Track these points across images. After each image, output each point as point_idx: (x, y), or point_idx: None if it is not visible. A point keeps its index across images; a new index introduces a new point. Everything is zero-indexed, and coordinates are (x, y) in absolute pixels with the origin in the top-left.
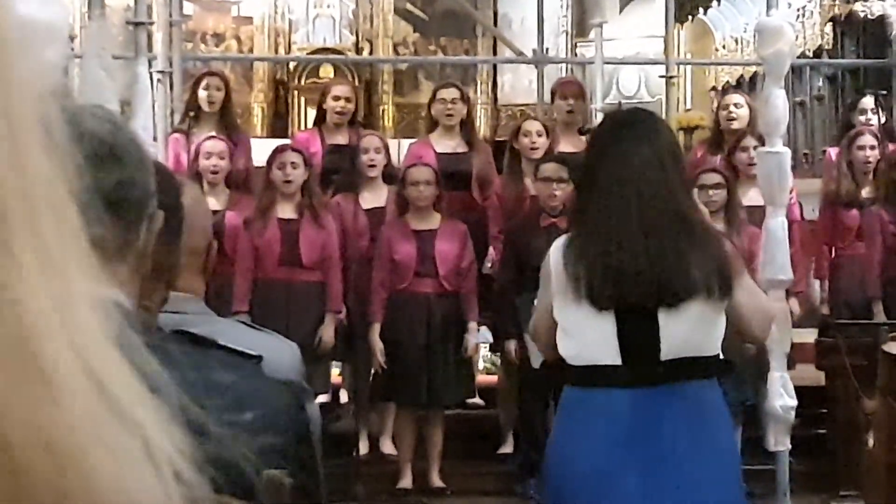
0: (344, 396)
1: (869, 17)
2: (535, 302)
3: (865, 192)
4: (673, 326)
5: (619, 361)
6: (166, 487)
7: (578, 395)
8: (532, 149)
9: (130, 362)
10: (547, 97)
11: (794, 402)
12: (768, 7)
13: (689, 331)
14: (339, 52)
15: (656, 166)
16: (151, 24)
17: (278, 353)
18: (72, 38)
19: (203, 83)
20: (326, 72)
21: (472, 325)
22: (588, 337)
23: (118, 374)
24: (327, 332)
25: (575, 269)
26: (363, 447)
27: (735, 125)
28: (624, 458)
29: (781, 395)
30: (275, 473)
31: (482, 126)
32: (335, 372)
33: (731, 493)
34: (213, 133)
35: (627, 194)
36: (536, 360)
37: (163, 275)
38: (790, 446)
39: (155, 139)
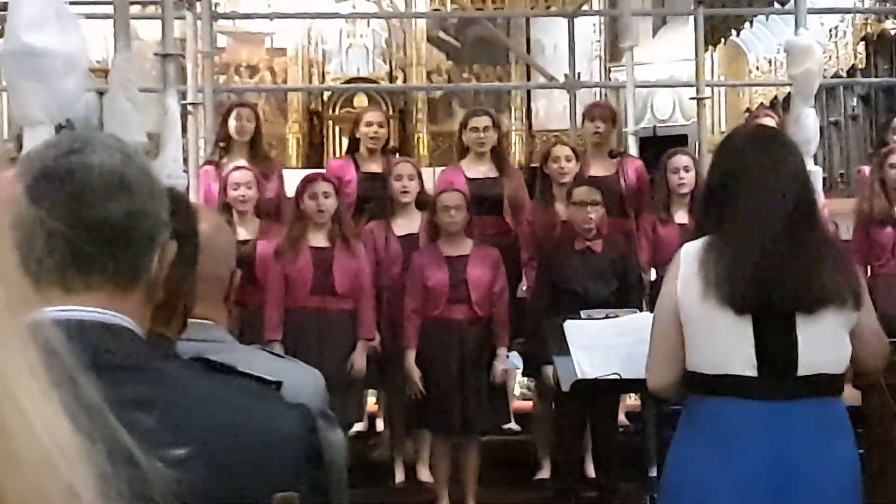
0: (380, 425)
1: None
2: (655, 313)
3: None
4: (810, 338)
5: (754, 373)
6: None
7: (709, 406)
8: (561, 174)
9: (60, 392)
10: (580, 122)
11: None
12: (797, 26)
13: (824, 344)
14: (373, 81)
15: (799, 180)
16: (180, 56)
17: (299, 380)
18: (105, 73)
19: (234, 113)
20: (360, 101)
21: (502, 351)
22: (722, 345)
23: (36, 407)
24: (359, 360)
25: (715, 272)
26: (399, 475)
27: None
28: (747, 461)
29: None
30: (286, 495)
31: (517, 152)
32: (371, 400)
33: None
34: (244, 163)
35: (774, 203)
36: (566, 384)
37: (179, 302)
38: None
39: (186, 171)
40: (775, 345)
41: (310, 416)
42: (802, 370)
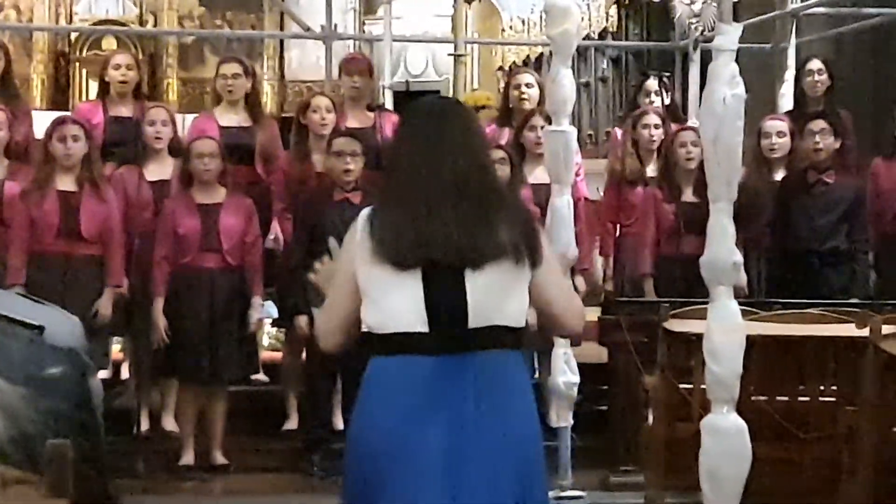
0: (125, 372)
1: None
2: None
3: (650, 171)
4: (480, 291)
5: (425, 329)
6: None
7: (382, 364)
8: (322, 125)
9: None
10: (335, 74)
11: (576, 379)
12: None
13: (496, 297)
14: (123, 24)
15: (466, 143)
16: None
17: (59, 325)
18: None
19: None
20: (109, 44)
21: (256, 299)
22: (394, 304)
23: None
24: (105, 306)
25: (381, 233)
26: (144, 424)
27: (526, 105)
28: (424, 419)
29: (564, 372)
30: (58, 442)
31: (269, 101)
32: (116, 348)
33: (533, 463)
34: None
35: (438, 165)
36: None
37: None
38: (572, 422)
39: None
40: (445, 300)
41: (81, 362)
42: (473, 322)
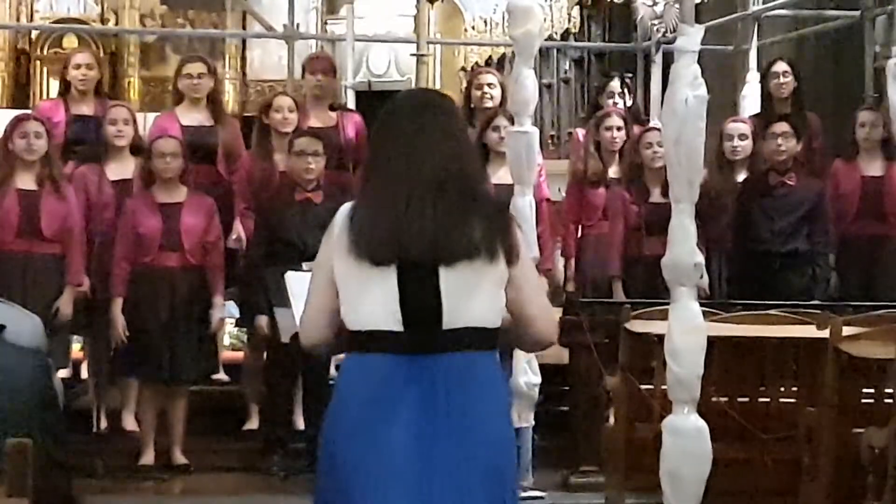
0: (85, 372)
1: (615, 1)
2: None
3: (612, 172)
4: (454, 290)
5: (399, 328)
6: None
7: (356, 361)
8: (284, 124)
9: None
10: (297, 73)
11: (538, 379)
12: None
13: (470, 296)
14: (84, 22)
15: (449, 139)
16: None
17: (20, 324)
18: None
19: None
20: (70, 42)
21: (218, 299)
22: (369, 300)
23: None
24: (65, 305)
25: (358, 229)
26: (103, 423)
27: (488, 105)
28: (391, 418)
29: (526, 372)
30: (18, 441)
31: (230, 101)
32: (76, 347)
33: (504, 465)
34: None
35: (419, 162)
36: (286, 335)
37: None
38: (534, 423)
39: None
40: (420, 299)
41: (45, 362)
42: (447, 324)
